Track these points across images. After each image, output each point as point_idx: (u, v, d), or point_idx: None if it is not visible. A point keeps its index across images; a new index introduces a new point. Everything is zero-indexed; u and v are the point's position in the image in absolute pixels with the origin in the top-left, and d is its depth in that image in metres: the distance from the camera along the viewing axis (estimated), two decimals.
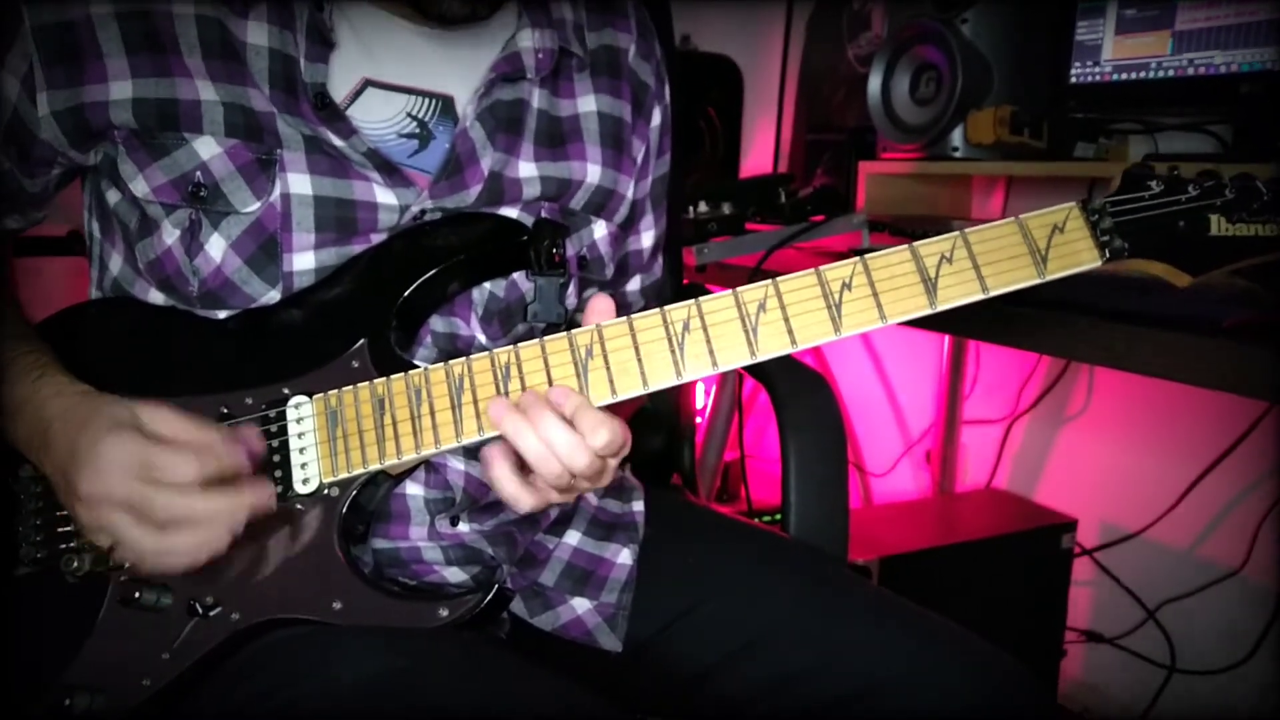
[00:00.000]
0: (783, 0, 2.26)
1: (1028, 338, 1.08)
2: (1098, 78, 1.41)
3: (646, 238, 1.00)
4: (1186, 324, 0.92)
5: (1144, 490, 1.68)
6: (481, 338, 0.84)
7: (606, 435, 0.69)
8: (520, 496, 0.72)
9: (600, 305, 0.73)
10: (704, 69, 2.09)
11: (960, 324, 1.21)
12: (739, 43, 2.21)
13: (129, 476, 0.69)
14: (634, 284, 1.02)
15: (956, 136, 1.54)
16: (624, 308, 1.00)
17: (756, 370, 1.10)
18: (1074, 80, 1.44)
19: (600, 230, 0.91)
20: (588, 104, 0.90)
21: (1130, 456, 1.72)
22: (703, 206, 1.64)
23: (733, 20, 2.28)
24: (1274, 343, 0.86)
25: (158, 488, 0.69)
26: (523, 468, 0.72)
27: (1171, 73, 1.33)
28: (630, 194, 0.93)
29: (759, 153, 2.30)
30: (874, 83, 1.66)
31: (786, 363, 1.11)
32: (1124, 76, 1.38)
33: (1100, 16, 1.40)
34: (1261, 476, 1.52)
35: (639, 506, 0.97)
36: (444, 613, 0.74)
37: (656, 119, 0.97)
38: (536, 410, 0.70)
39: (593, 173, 0.89)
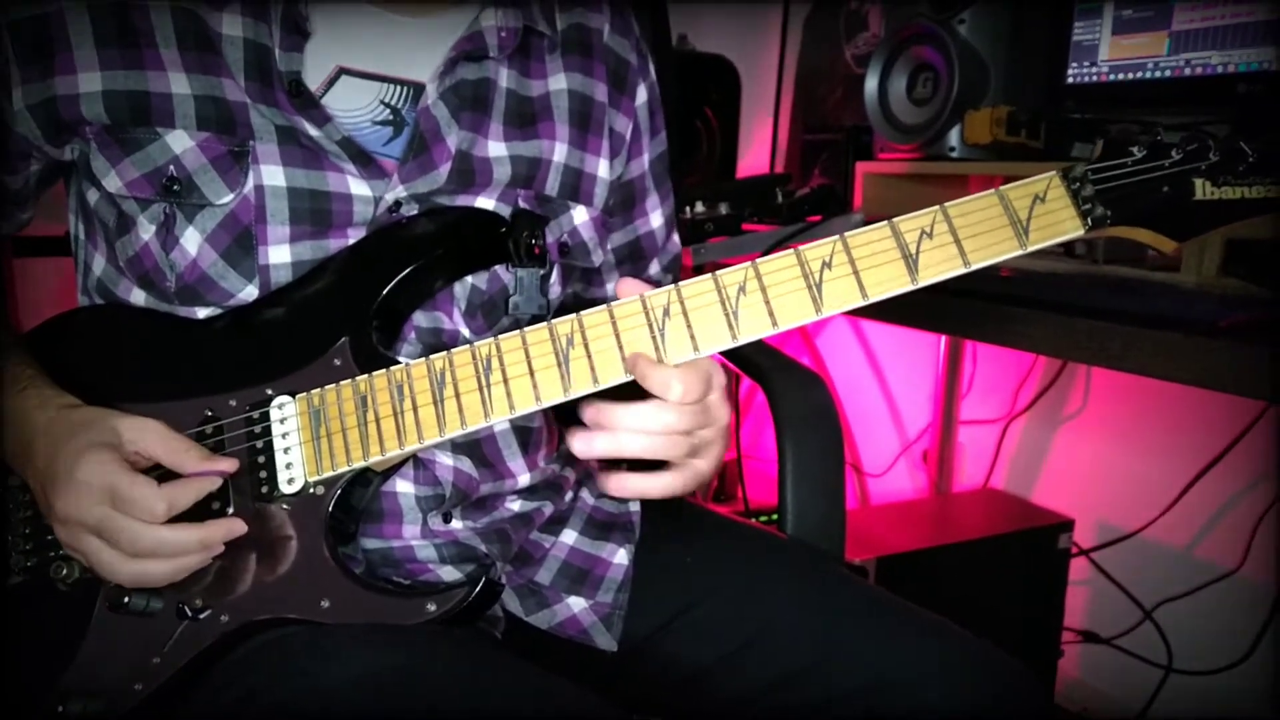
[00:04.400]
0: (780, 0, 2.26)
1: (1025, 338, 1.08)
2: (1095, 78, 1.41)
3: (655, 218, 1.00)
4: (1183, 324, 0.92)
5: (1141, 490, 1.68)
6: (465, 332, 0.84)
7: (678, 386, 0.70)
8: (666, 484, 0.74)
9: (627, 287, 0.73)
10: (701, 69, 2.09)
11: (957, 324, 1.21)
12: (736, 43, 2.20)
13: (98, 501, 0.70)
14: (654, 267, 1.02)
15: (953, 137, 1.54)
16: None
17: (753, 369, 1.10)
18: (1071, 80, 1.44)
19: (581, 215, 0.90)
20: (558, 82, 0.89)
21: (1127, 456, 1.72)
22: (699, 207, 1.64)
23: (730, 20, 2.28)
24: (1270, 343, 0.86)
25: (125, 518, 0.70)
26: (640, 466, 0.73)
27: (1168, 73, 1.33)
28: (604, 175, 0.92)
29: (756, 153, 2.30)
30: (871, 83, 1.66)
31: (783, 361, 1.11)
32: (1121, 77, 1.38)
33: (1097, 17, 1.40)
34: (1258, 476, 1.52)
35: (635, 506, 0.97)
36: (432, 607, 0.74)
37: (642, 96, 0.96)
38: (607, 415, 0.71)
39: (559, 151, 0.88)
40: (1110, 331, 0.97)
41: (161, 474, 0.73)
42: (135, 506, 0.70)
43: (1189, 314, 0.94)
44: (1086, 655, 1.80)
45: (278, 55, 0.78)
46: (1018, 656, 0.82)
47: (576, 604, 0.90)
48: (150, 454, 0.73)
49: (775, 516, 1.06)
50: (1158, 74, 1.34)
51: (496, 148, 0.84)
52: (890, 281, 0.70)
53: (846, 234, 0.70)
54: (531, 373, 0.72)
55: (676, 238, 1.04)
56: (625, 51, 0.94)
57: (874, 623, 0.85)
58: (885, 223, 0.70)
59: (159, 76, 0.77)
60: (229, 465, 0.74)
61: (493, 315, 0.85)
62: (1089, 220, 0.69)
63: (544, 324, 0.73)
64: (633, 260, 1.00)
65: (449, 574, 0.83)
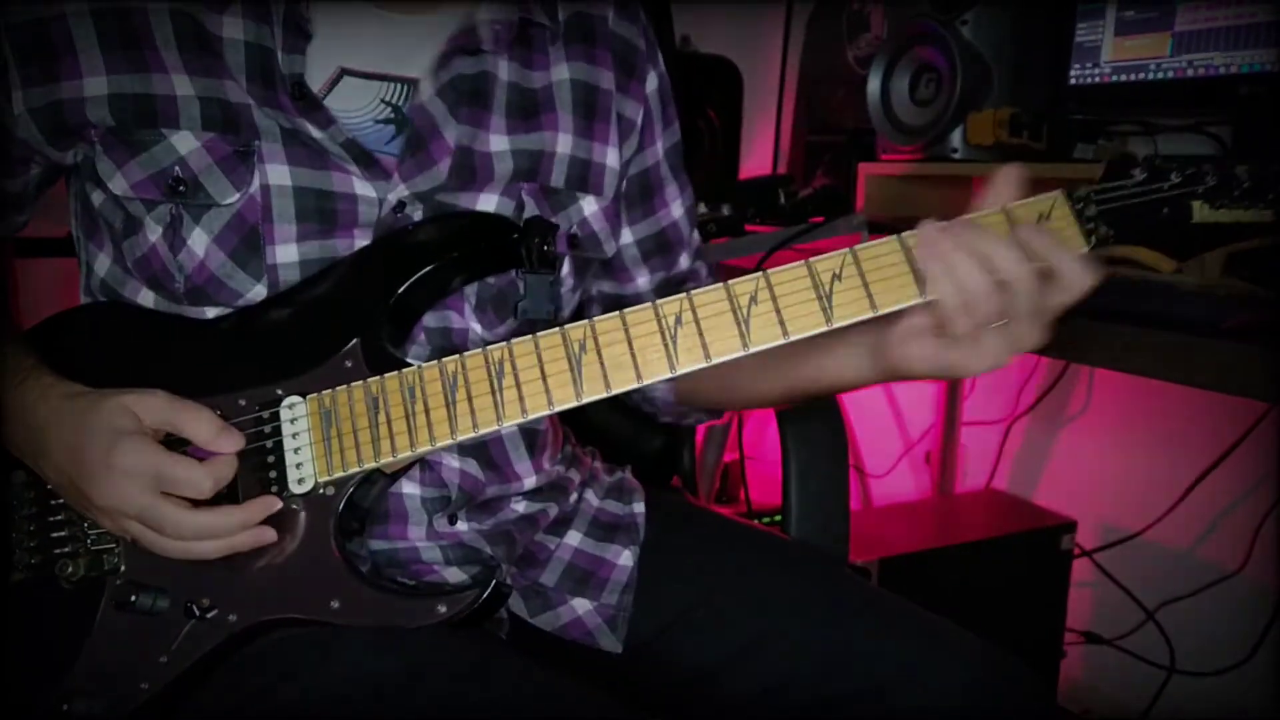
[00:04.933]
0: (782, 1, 2.26)
1: None
2: (1097, 79, 1.41)
3: (676, 208, 0.99)
4: (1186, 325, 0.92)
5: (1143, 491, 1.68)
6: (477, 327, 0.84)
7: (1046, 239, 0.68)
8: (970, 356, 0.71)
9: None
10: (703, 70, 2.09)
11: None
12: (738, 44, 2.20)
13: (144, 489, 0.71)
14: (684, 260, 1.01)
15: (956, 138, 1.54)
16: (680, 284, 0.99)
17: None
18: (1073, 81, 1.44)
19: (590, 206, 0.90)
20: (560, 73, 0.88)
21: (1130, 457, 1.72)
22: (702, 208, 1.64)
23: (732, 21, 2.28)
24: (1273, 344, 0.86)
25: (168, 506, 0.71)
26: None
27: (1171, 74, 1.33)
28: (614, 164, 0.91)
29: (759, 154, 2.30)
30: (874, 84, 1.66)
31: None
32: (1123, 78, 1.38)
33: (1100, 18, 1.40)
34: (1261, 478, 1.52)
35: (639, 508, 0.97)
36: (442, 609, 0.74)
37: (653, 83, 0.94)
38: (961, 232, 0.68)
39: (564, 142, 0.87)
40: (1112, 332, 0.97)
41: (168, 442, 0.74)
42: (182, 486, 0.71)
43: (1191, 315, 0.94)
44: (1089, 656, 1.80)
45: (280, 58, 0.78)
46: (1020, 657, 0.82)
47: (581, 606, 0.90)
48: (159, 425, 0.73)
49: (778, 518, 1.06)
50: (1160, 75, 1.34)
51: (498, 141, 0.84)
52: (898, 294, 0.71)
53: (856, 247, 0.71)
54: (544, 376, 0.73)
55: (697, 233, 1.03)
56: (633, 37, 0.93)
57: (877, 624, 0.85)
58: (894, 237, 0.71)
59: (163, 79, 0.77)
60: (237, 441, 0.74)
61: (502, 310, 0.85)
62: (1093, 239, 0.71)
63: (556, 329, 0.73)
64: (661, 253, 0.99)
65: (453, 575, 0.84)
